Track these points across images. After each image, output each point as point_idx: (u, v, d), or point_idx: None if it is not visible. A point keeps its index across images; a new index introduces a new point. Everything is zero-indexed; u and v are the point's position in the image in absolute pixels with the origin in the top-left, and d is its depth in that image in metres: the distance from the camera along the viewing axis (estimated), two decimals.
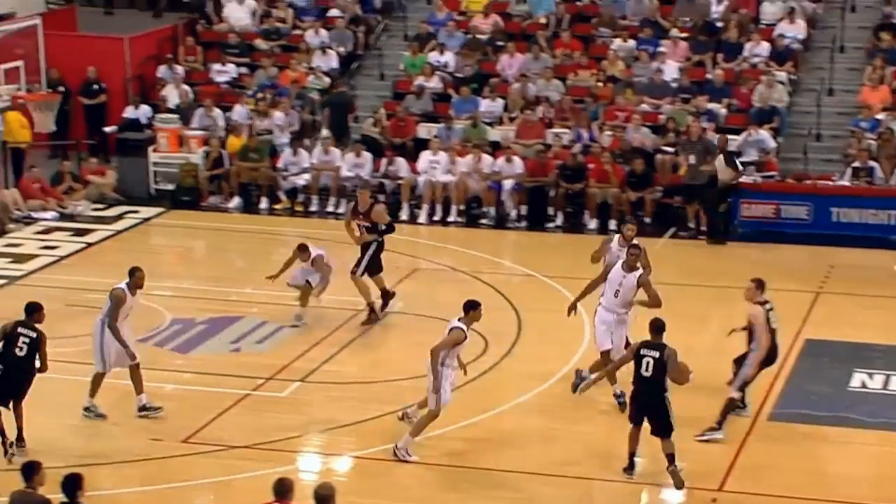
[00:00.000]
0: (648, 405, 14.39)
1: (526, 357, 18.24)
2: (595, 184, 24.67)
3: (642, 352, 14.38)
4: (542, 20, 28.89)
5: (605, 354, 16.24)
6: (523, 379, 17.33)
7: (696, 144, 24.49)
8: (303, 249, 19.08)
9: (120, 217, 25.33)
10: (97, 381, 16.29)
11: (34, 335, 15.12)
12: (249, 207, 25.84)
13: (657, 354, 14.28)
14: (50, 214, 25.14)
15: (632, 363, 14.55)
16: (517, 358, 18.21)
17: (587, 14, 29.27)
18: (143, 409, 16.27)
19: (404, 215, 25.04)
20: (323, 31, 29.10)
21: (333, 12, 29.72)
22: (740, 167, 23.96)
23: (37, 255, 22.62)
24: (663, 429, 14.35)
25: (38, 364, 15.17)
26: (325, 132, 26.59)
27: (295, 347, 18.51)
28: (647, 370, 14.31)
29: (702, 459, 14.94)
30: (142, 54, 29.24)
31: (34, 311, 15.30)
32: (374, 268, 19.35)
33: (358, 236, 19.47)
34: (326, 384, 17.35)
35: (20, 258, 22.68)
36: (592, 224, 24.61)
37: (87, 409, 16.33)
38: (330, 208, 25.37)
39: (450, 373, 14.98)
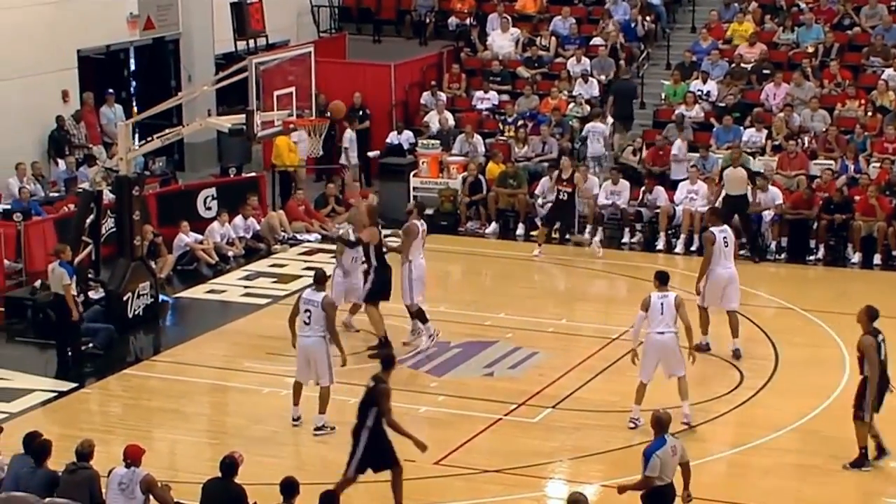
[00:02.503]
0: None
1: (782, 391, 17.85)
2: (860, 217, 24.01)
3: (880, 337, 15.03)
4: (810, 49, 28.28)
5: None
6: (779, 413, 16.96)
7: None
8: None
9: None
10: (327, 395, 16.62)
11: None
12: (506, 233, 26.03)
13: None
14: (313, 236, 25.78)
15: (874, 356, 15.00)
16: (774, 392, 17.82)
17: (858, 43, 28.53)
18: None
19: (660, 244, 24.89)
20: (585, 60, 29.17)
21: (596, 41, 29.79)
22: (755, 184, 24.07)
23: (300, 276, 23.11)
24: None
25: None
26: (609, 119, 26.89)
27: (548, 374, 18.53)
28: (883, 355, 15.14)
29: None
30: (406, 81, 29.85)
31: None
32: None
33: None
34: (578, 411, 17.30)
35: (284, 278, 23.31)
36: (855, 258, 23.94)
37: (318, 428, 16.63)
38: (586, 235, 25.32)
39: None
